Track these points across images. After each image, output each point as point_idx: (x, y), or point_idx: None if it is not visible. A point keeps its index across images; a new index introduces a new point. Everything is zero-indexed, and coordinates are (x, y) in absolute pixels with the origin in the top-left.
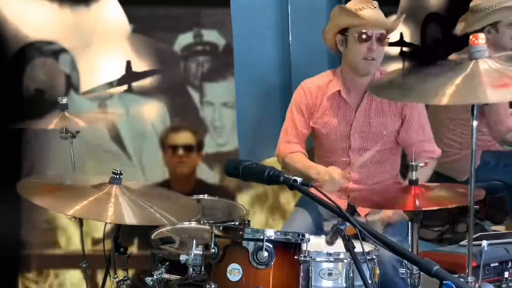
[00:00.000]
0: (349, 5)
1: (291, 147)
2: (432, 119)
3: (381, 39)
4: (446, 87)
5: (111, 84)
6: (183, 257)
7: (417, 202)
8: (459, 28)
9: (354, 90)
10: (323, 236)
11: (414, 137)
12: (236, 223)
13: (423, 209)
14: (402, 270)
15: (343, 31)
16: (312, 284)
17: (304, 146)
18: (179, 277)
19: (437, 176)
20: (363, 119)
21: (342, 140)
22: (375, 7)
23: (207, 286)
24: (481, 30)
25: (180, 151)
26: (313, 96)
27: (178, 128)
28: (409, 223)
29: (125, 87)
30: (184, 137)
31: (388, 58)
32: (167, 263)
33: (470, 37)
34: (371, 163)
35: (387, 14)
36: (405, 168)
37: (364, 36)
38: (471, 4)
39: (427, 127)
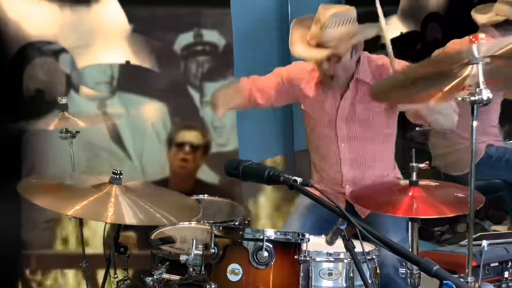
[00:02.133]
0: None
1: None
2: None
3: (333, 59)
4: None
5: (111, 84)
6: (183, 257)
7: (414, 205)
8: (484, 17)
9: (339, 78)
10: (323, 236)
11: None
12: (236, 223)
13: (421, 216)
14: (402, 270)
15: None
16: (312, 284)
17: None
18: (179, 277)
19: (436, 175)
20: (349, 107)
21: (330, 126)
22: (332, 26)
23: (207, 286)
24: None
25: (186, 149)
26: (299, 74)
27: (184, 127)
28: (409, 223)
29: (125, 87)
30: (191, 136)
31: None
32: (167, 263)
33: (470, 37)
34: (364, 155)
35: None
36: (406, 165)
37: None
38: None
39: None
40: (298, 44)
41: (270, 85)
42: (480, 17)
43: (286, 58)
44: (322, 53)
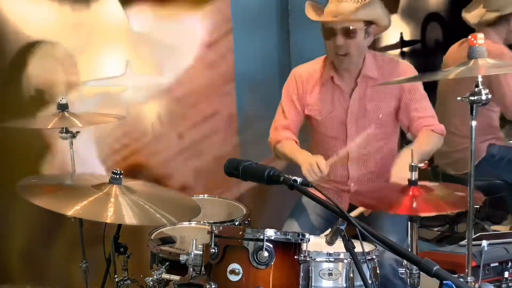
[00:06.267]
0: None
1: (281, 134)
2: (444, 108)
3: (348, 33)
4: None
5: (111, 84)
6: (183, 257)
7: (414, 204)
8: (475, 17)
9: (347, 75)
10: (323, 236)
11: (413, 114)
12: (236, 223)
13: (421, 214)
14: (402, 270)
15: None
16: (312, 284)
17: (296, 133)
18: (179, 277)
19: (435, 175)
20: (358, 105)
21: (339, 127)
22: (348, 0)
23: (207, 286)
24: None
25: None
26: (304, 83)
27: None
28: (409, 223)
29: (125, 86)
30: None
31: None
32: (167, 263)
33: (469, 37)
34: (371, 153)
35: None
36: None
37: (326, 32)
38: None
39: (425, 103)
40: (314, 15)
41: (291, 118)
42: (470, 17)
43: (286, 49)
44: (337, 17)
